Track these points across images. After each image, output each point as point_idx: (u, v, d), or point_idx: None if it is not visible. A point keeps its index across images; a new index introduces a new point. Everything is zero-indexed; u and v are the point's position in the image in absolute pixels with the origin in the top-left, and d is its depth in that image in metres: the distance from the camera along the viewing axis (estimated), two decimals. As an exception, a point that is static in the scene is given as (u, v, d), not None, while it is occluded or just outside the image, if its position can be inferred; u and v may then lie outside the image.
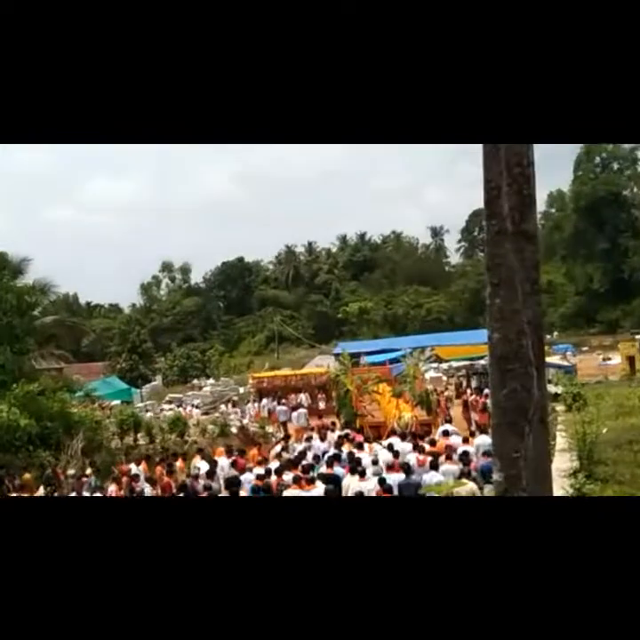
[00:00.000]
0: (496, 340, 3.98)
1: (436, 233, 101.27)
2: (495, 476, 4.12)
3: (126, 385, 46.57)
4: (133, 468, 15.95)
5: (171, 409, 33.75)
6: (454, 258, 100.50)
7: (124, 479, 14.84)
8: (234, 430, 24.61)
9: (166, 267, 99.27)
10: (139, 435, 22.78)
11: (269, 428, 25.67)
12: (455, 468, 12.00)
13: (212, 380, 57.21)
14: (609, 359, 40.36)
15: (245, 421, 27.06)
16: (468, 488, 9.07)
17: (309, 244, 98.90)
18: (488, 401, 23.36)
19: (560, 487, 9.29)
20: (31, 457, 18.40)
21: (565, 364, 33.21)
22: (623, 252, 68.38)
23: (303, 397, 32.26)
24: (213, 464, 14.44)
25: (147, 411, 32.13)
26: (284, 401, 31.65)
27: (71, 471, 16.68)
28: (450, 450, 13.08)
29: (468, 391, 28.91)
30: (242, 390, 43.90)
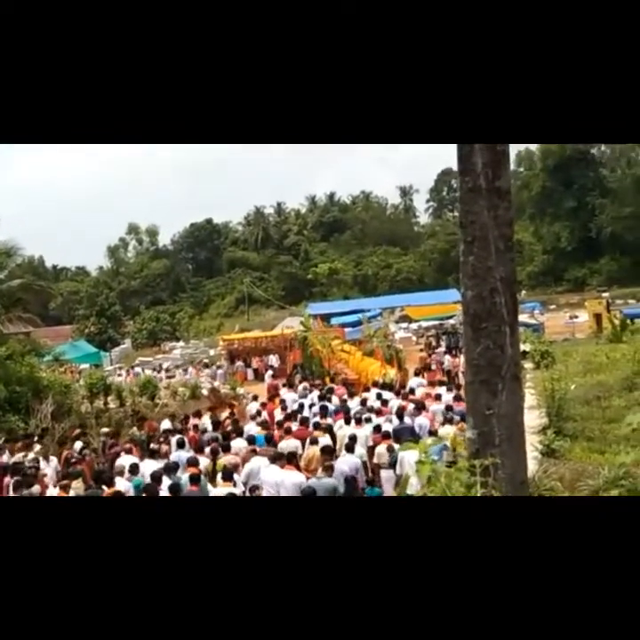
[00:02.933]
0: (469, 297, 3.95)
1: (405, 193, 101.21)
2: (468, 434, 4.13)
3: (95, 348, 46.22)
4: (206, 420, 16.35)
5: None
6: (423, 218, 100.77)
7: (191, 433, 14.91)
8: (205, 392, 24.57)
9: (133, 229, 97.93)
10: (109, 398, 22.63)
11: (240, 390, 25.67)
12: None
13: (182, 343, 57.06)
14: (576, 317, 40.81)
15: (216, 383, 27.03)
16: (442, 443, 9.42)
17: (279, 204, 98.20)
18: (447, 361, 24.30)
19: (530, 443, 9.40)
20: (0, 422, 18.23)
21: (533, 322, 33.53)
22: (591, 210, 68.83)
23: (273, 358, 32.34)
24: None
25: (118, 375, 31.96)
26: (219, 364, 34.01)
27: (105, 429, 16.76)
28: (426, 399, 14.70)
29: (429, 353, 29.56)
30: (212, 352, 43.80)
